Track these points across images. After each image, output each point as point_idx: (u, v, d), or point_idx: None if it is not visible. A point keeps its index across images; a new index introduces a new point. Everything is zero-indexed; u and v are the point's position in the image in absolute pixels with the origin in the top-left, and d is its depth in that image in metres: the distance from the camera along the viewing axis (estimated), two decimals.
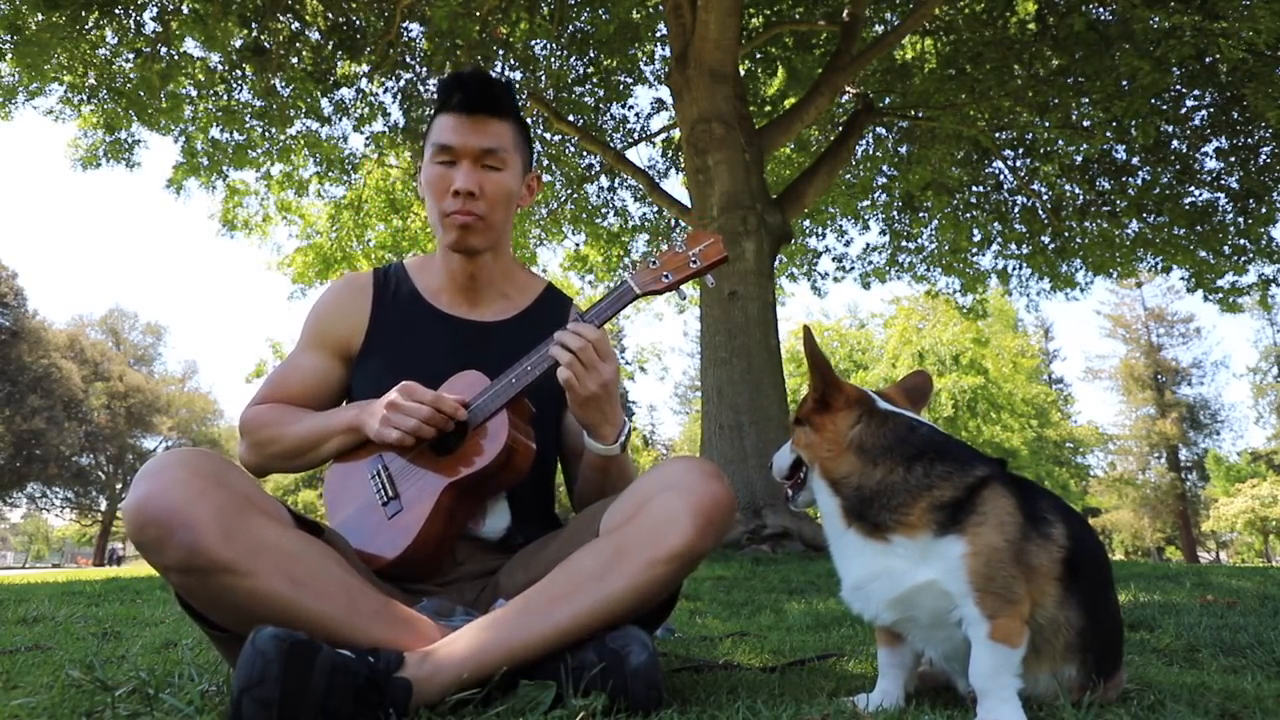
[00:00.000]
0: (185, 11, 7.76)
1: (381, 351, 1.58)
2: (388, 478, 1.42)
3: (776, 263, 8.24)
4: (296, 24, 8.40)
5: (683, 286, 1.42)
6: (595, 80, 9.86)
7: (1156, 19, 7.14)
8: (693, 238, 1.41)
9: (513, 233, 1.70)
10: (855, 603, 1.19)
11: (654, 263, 1.41)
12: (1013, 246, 10.89)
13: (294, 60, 8.40)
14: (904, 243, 11.60)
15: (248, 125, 8.76)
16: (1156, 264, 10.52)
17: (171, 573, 1.11)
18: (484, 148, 1.51)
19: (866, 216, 11.70)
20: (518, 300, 1.68)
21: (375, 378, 1.53)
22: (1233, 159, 9.21)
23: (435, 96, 1.60)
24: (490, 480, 1.41)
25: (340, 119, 9.19)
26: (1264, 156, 9.11)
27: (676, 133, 9.97)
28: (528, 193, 1.67)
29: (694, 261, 1.38)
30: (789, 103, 9.68)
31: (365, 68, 8.78)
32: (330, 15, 8.43)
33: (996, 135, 9.65)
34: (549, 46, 9.21)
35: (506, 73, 9.23)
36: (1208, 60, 7.76)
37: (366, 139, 9.60)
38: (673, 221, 11.05)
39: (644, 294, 1.40)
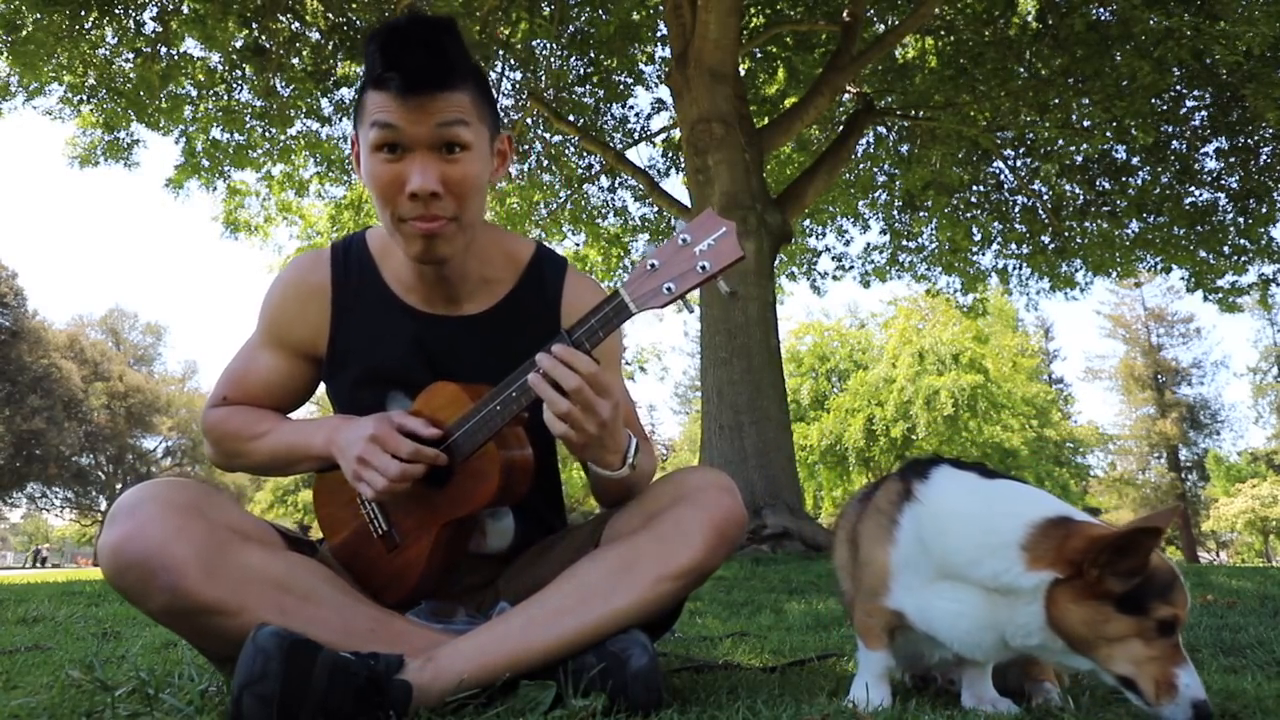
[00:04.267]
0: (185, 11, 7.76)
1: (352, 363, 1.40)
2: (377, 507, 1.34)
3: (776, 262, 8.24)
4: (296, 24, 8.40)
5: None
6: (595, 80, 9.86)
7: (1156, 19, 7.15)
8: (699, 225, 1.11)
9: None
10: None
11: (653, 265, 1.12)
12: (1013, 246, 10.89)
13: (294, 60, 8.39)
14: (904, 242, 11.60)
15: (248, 125, 8.75)
16: (1156, 264, 10.53)
17: (157, 616, 1.08)
18: (439, 130, 1.19)
19: (867, 216, 11.70)
20: (500, 283, 1.42)
21: (352, 393, 1.40)
22: (1233, 159, 9.21)
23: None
24: (492, 510, 1.37)
25: (340, 119, 9.19)
26: (1264, 157, 9.12)
27: (676, 133, 9.96)
28: (499, 161, 1.34)
29: (702, 266, 1.09)
30: (789, 103, 9.68)
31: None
32: (330, 15, 8.43)
33: (997, 135, 9.65)
34: (549, 46, 9.20)
35: (507, 73, 9.23)
36: (1207, 61, 7.76)
37: None
38: (672, 221, 11.05)
39: (642, 311, 1.13)
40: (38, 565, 36.30)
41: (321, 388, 1.53)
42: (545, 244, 1.53)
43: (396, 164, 1.20)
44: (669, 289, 1.10)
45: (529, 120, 9.85)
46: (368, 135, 1.21)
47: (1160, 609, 1.00)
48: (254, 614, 1.08)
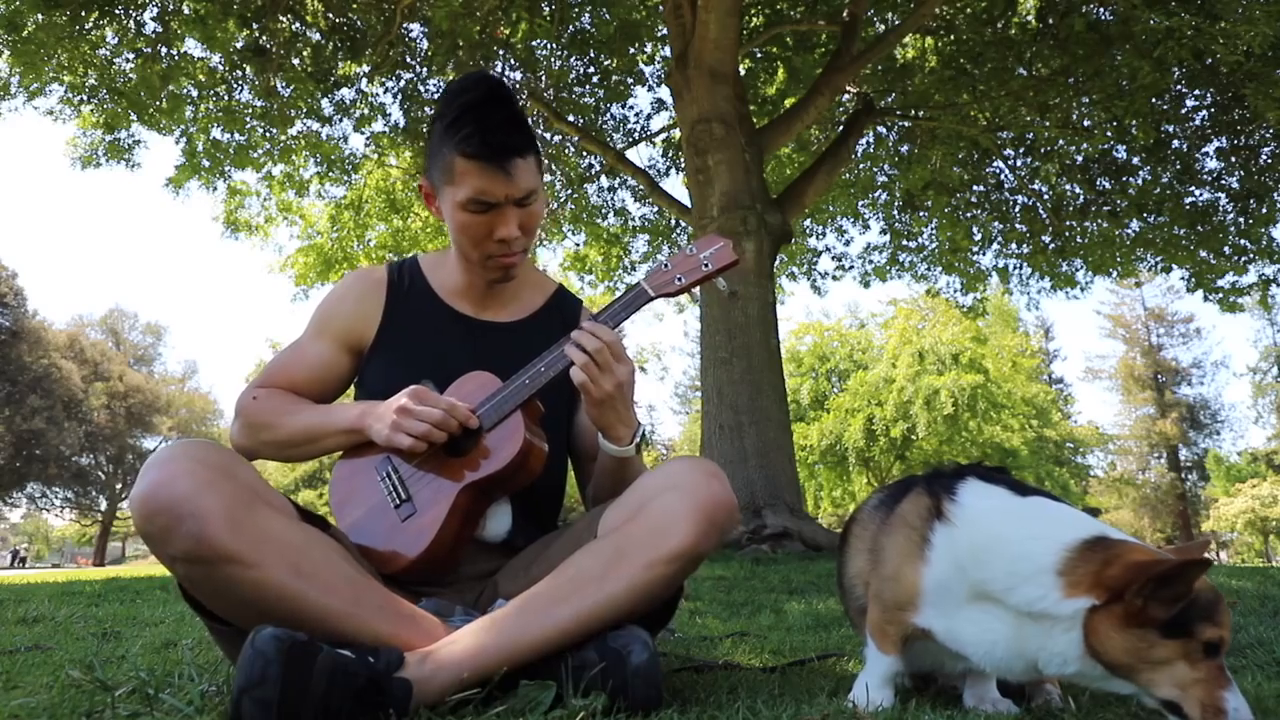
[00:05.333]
0: (185, 12, 7.77)
1: (395, 349, 1.57)
2: (398, 480, 1.40)
3: (776, 262, 8.24)
4: (297, 24, 8.41)
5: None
6: (595, 80, 9.86)
7: (1156, 19, 7.14)
8: (703, 241, 1.42)
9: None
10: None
11: (666, 266, 1.42)
12: (1013, 246, 10.89)
13: (294, 61, 8.40)
14: (904, 242, 11.61)
15: (248, 126, 8.76)
16: (1156, 264, 10.53)
17: (178, 563, 1.11)
18: (523, 193, 1.46)
19: (867, 216, 11.71)
20: (530, 301, 1.68)
21: (387, 375, 1.51)
22: (1233, 159, 9.21)
23: (441, 110, 1.48)
24: (505, 483, 1.40)
25: (341, 119, 9.20)
26: (1264, 156, 9.11)
27: (676, 133, 9.97)
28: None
29: (706, 265, 1.39)
30: (789, 103, 9.68)
31: (365, 68, 8.79)
32: (330, 16, 8.43)
33: (997, 135, 9.65)
34: (549, 47, 9.21)
35: (507, 73, 9.23)
36: (1207, 61, 7.76)
37: (367, 139, 9.62)
38: (673, 222, 11.06)
39: (658, 296, 1.41)
40: (16, 565, 36.21)
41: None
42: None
43: (485, 216, 1.45)
44: (680, 280, 1.41)
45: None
46: (458, 193, 1.44)
47: (1206, 630, 0.97)
48: (271, 570, 1.11)
